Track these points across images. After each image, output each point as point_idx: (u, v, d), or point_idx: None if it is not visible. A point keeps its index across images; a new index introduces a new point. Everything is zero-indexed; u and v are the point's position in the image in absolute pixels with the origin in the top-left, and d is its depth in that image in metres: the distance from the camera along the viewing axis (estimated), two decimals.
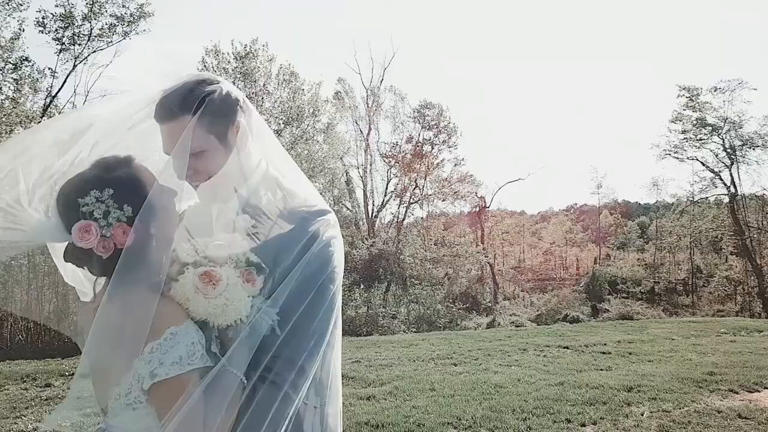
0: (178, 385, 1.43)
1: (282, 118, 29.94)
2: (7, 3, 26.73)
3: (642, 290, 36.23)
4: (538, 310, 34.01)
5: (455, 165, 35.32)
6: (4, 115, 26.15)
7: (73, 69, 28.10)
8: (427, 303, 32.39)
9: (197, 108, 1.60)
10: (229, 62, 28.80)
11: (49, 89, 28.24)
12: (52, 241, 1.58)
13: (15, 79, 27.98)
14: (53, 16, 27.48)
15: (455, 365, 10.18)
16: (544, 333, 14.69)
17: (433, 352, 11.48)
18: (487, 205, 37.62)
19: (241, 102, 1.73)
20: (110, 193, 1.49)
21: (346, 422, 6.56)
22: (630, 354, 10.89)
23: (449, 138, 34.27)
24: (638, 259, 41.67)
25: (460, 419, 6.76)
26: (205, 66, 28.59)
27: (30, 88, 28.45)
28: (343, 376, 8.04)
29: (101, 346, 1.49)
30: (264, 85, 29.57)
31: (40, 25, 27.42)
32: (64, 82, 28.30)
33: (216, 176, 1.69)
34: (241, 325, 1.52)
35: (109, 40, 28.26)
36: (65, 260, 1.56)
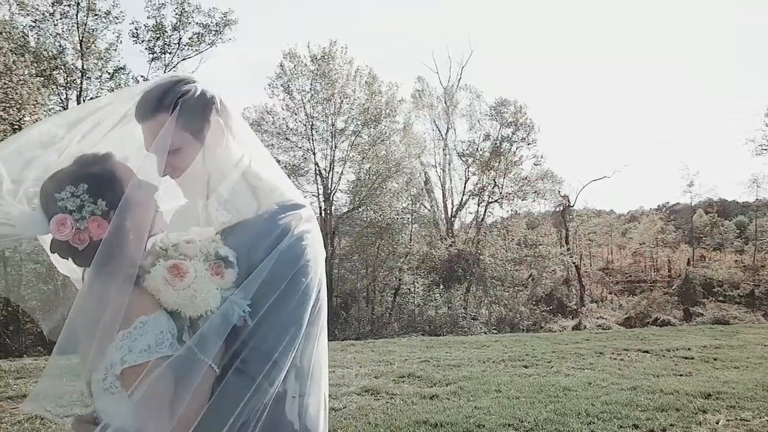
0: (147, 372, 1.47)
1: (360, 119, 30.26)
2: (104, 16, 28.46)
3: (740, 293, 34.14)
4: (626, 313, 32.69)
5: (535, 163, 34.55)
6: None
7: None
8: (509, 305, 31.85)
9: (173, 107, 1.65)
10: (306, 65, 29.41)
11: None
12: (37, 234, 1.65)
13: (111, 88, 29.75)
14: (146, 27, 28.95)
15: (526, 367, 9.96)
16: (625, 336, 14.13)
17: (504, 354, 11.28)
18: (571, 204, 36.51)
19: (216, 101, 1.77)
20: (85, 188, 1.56)
21: (405, 420, 6.54)
22: (715, 360, 10.29)
23: (528, 135, 33.56)
24: (736, 260, 39.31)
25: (521, 421, 6.60)
26: (282, 69, 29.37)
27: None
28: (409, 375, 8.05)
29: (78, 331, 1.55)
30: (342, 87, 30.00)
31: (134, 36, 28.99)
32: None
33: (188, 172, 1.73)
34: (212, 316, 1.54)
35: (197, 48, 29.54)
36: (51, 252, 1.64)
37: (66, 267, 1.79)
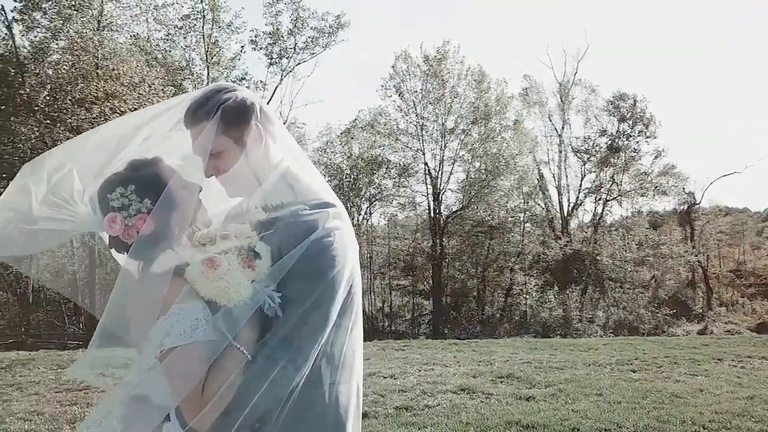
0: (182, 354, 1.63)
1: (469, 118, 30.11)
2: (227, 27, 30.13)
3: None
4: (759, 318, 30.37)
5: (655, 157, 32.75)
6: None
7: (281, 81, 30.84)
8: (629, 307, 30.52)
9: (214, 114, 1.81)
10: (418, 66, 29.67)
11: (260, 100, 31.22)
12: (96, 230, 1.87)
13: None
14: (264, 34, 30.34)
15: (633, 372, 9.54)
16: (750, 343, 13.16)
17: (612, 357, 10.86)
18: (697, 202, 34.36)
19: (256, 107, 1.90)
20: (132, 188, 1.75)
21: (496, 420, 6.50)
22: None
23: (647, 128, 31.89)
24: None
25: (620, 427, 6.36)
26: (395, 71, 29.79)
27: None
28: (507, 376, 7.98)
29: (123, 316, 1.73)
30: (453, 86, 30.02)
31: (253, 43, 30.45)
32: (273, 93, 31.16)
33: (229, 173, 1.89)
34: (246, 306, 1.68)
35: (312, 51, 30.60)
36: (109, 247, 1.86)
37: (124, 260, 1.99)
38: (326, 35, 30.26)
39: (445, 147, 30.11)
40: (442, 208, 30.80)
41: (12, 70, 23.71)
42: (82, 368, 1.80)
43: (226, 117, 1.83)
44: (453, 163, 30.68)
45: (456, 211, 31.04)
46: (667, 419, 6.57)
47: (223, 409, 1.64)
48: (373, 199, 33.19)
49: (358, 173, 32.57)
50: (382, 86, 30.70)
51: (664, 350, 11.82)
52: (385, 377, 8.75)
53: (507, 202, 30.65)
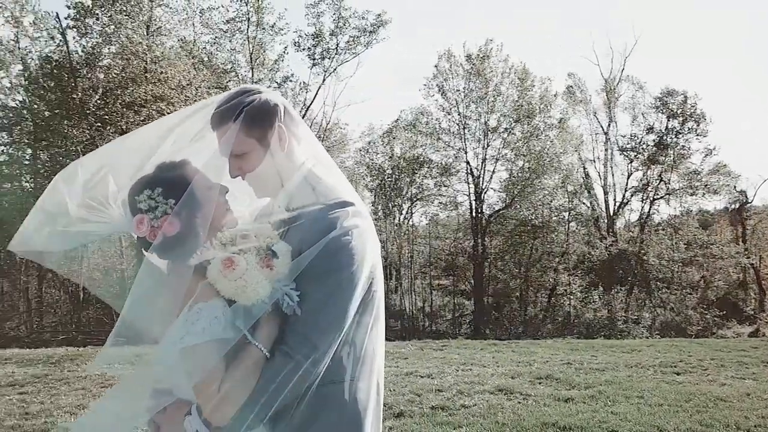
0: (200, 351, 1.70)
1: (512, 116, 29.87)
2: (271, 29, 30.57)
3: None
4: None
5: (705, 155, 31.84)
6: None
7: (323, 82, 31.11)
8: (676, 308, 29.80)
9: (237, 116, 1.87)
10: (460, 64, 29.57)
11: (304, 101, 31.61)
12: (129, 231, 1.94)
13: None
14: (306, 35, 30.66)
15: (677, 374, 9.36)
16: None
17: (656, 359, 10.67)
18: (749, 201, 33.31)
19: (280, 109, 1.95)
20: (159, 191, 1.82)
21: (533, 421, 6.48)
22: None
23: (697, 126, 31.04)
24: None
25: (661, 430, 6.27)
26: (438, 70, 29.77)
27: (291, 102, 32.10)
28: (546, 377, 7.94)
29: (145, 311, 1.81)
30: (496, 85, 29.83)
31: (296, 45, 30.81)
32: (316, 94, 31.48)
33: (253, 173, 1.94)
34: (264, 305, 1.74)
35: (354, 51, 30.77)
36: (138, 247, 1.93)
37: (155, 259, 2.07)
38: (367, 34, 30.40)
39: (488, 146, 29.94)
40: (484, 207, 30.66)
41: (65, 75, 24.56)
42: (100, 363, 1.89)
43: (250, 119, 1.88)
44: (495, 162, 30.50)
45: (498, 210, 30.81)
46: (711, 423, 6.44)
47: (241, 404, 1.69)
48: (415, 199, 33.21)
49: (399, 173, 32.62)
50: (425, 85, 30.76)
51: (711, 352, 11.55)
52: (422, 377, 8.79)
53: (551, 201, 30.27)
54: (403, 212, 33.77)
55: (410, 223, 33.80)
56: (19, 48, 27.40)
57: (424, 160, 31.77)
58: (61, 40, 25.95)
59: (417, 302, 32.00)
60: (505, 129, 30.18)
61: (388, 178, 33.08)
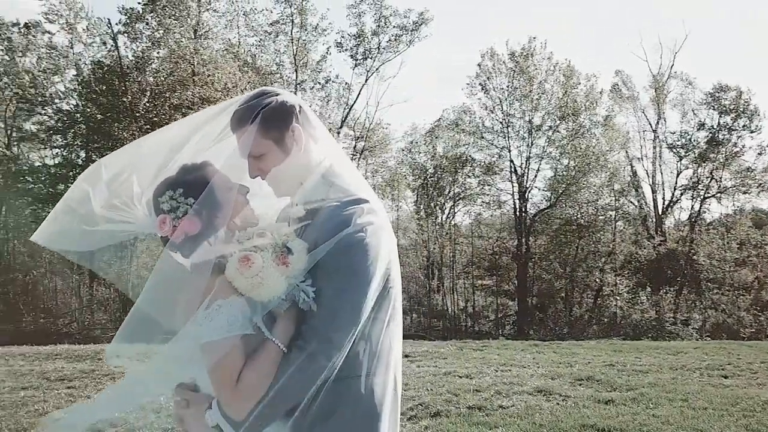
0: (218, 347, 1.76)
1: (557, 114, 29.47)
2: (314, 30, 30.89)
3: None
4: None
5: (759, 153, 30.79)
6: None
7: (366, 82, 31.28)
8: (728, 310, 28.94)
9: (254, 118, 1.92)
10: (503, 62, 29.34)
11: (346, 102, 31.85)
12: (152, 232, 1.99)
13: (322, 97, 32.25)
14: (348, 36, 30.87)
15: (725, 377, 9.12)
16: None
17: (702, 362, 10.40)
18: None
19: (296, 110, 1.99)
20: (180, 192, 1.87)
21: (571, 423, 6.43)
22: None
23: (750, 122, 30.04)
24: None
25: None
26: (480, 68, 29.59)
27: (335, 103, 32.47)
28: (587, 378, 7.84)
29: (154, 304, 1.87)
30: (540, 82, 29.50)
31: (338, 45, 31.05)
32: (358, 94, 31.66)
33: (271, 174, 1.99)
34: (281, 301, 1.80)
35: (396, 49, 30.84)
36: (163, 246, 2.00)
37: (178, 257, 2.11)
38: (409, 32, 30.44)
39: (532, 144, 29.65)
40: (528, 206, 30.30)
41: (116, 80, 25.31)
42: (110, 357, 1.93)
43: (266, 120, 1.92)
44: (540, 160, 30.19)
45: (543, 209, 30.45)
46: (758, 428, 6.29)
47: (258, 398, 1.74)
48: (457, 198, 33.07)
49: (442, 172, 32.53)
50: (468, 84, 30.63)
51: (762, 355, 11.22)
52: (460, 377, 8.78)
53: (597, 200, 29.73)
54: (446, 212, 33.68)
55: (453, 222, 33.69)
56: (73, 53, 28.41)
57: (467, 159, 31.60)
58: (112, 45, 26.77)
59: (459, 302, 31.86)
60: (550, 127, 29.82)
61: (430, 177, 33.02)
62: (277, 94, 1.99)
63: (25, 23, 28.76)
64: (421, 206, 33.56)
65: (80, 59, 28.27)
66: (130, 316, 1.86)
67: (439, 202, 33.41)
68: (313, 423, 1.85)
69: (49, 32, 28.67)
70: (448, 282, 32.19)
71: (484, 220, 33.78)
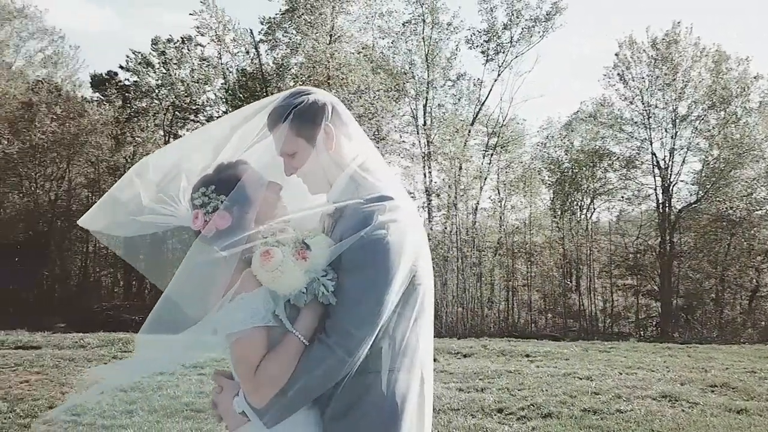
0: (241, 338, 1.88)
1: (705, 102, 27.38)
2: (446, 28, 30.98)
3: None
4: None
5: None
6: (444, 125, 30.37)
7: (498, 77, 30.84)
8: None
9: (286, 117, 2.01)
10: (644, 51, 27.72)
11: (478, 98, 31.61)
12: (186, 225, 2.11)
13: (453, 95, 32.27)
14: (479, 32, 30.60)
15: None
16: None
17: None
18: None
19: (327, 109, 2.05)
20: (212, 188, 2.00)
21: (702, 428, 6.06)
22: None
23: None
24: None
25: None
26: (618, 58, 28.16)
27: (466, 99, 32.41)
28: (722, 385, 7.39)
29: (182, 292, 2.01)
30: (686, 70, 27.56)
31: (468, 42, 30.86)
32: (490, 90, 31.29)
33: (304, 172, 2.07)
34: (302, 295, 1.88)
35: (528, 42, 30.15)
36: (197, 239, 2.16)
37: (209, 251, 2.13)
38: (542, 23, 29.63)
39: (676, 135, 27.72)
40: (673, 201, 28.40)
41: (257, 86, 26.91)
42: (141, 341, 2.07)
43: (298, 120, 1.99)
44: (686, 153, 28.15)
45: (689, 204, 28.40)
46: None
47: (277, 388, 1.84)
48: (596, 194, 31.70)
49: (580, 167, 31.34)
50: (605, 75, 29.21)
51: None
52: (580, 378, 8.52)
53: (751, 194, 27.25)
54: (584, 208, 32.39)
55: (591, 219, 32.31)
56: (221, 63, 30.57)
57: (605, 152, 30.16)
58: (254, 54, 28.48)
59: (598, 302, 30.52)
60: (697, 116, 27.74)
61: (566, 172, 31.91)
62: (310, 94, 2.06)
63: (180, 38, 31.41)
64: (557, 203, 32.54)
65: (227, 69, 30.35)
66: (159, 306, 1.99)
67: (576, 198, 32.21)
68: (334, 416, 1.92)
69: (200, 45, 31.13)
70: (586, 281, 30.94)
71: (625, 216, 32.12)
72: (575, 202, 32.30)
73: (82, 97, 31.74)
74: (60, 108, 27.33)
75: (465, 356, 10.68)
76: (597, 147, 30.56)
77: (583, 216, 32.01)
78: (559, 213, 31.33)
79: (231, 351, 1.92)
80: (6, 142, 25.78)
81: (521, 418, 6.64)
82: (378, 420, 1.91)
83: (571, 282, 31.28)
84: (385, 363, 1.93)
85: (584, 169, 31.10)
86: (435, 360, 10.09)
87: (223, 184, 2.00)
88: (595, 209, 32.43)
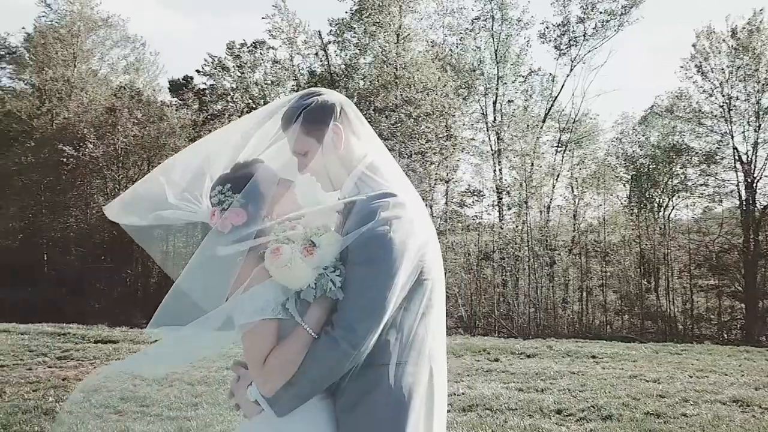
0: (252, 330, 1.95)
1: None
2: (516, 23, 30.56)
3: None
4: None
5: None
6: (515, 122, 29.95)
7: (570, 72, 30.13)
8: None
9: (296, 118, 2.10)
10: (723, 41, 26.40)
11: (550, 94, 31.00)
12: (205, 221, 2.22)
13: (525, 90, 31.78)
14: (552, 26, 30.00)
15: None
16: None
17: None
18: None
19: (336, 109, 2.12)
20: (228, 187, 2.09)
21: None
22: None
23: None
24: None
25: None
26: (696, 49, 26.93)
27: (539, 95, 31.89)
28: None
29: (193, 283, 2.10)
30: None
31: (541, 37, 30.31)
32: (563, 85, 30.62)
33: (315, 170, 2.14)
34: (311, 290, 1.93)
35: (603, 36, 29.32)
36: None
37: (222, 246, 2.22)
38: (618, 16, 28.73)
39: (760, 129, 26.19)
40: (758, 198, 26.88)
41: (326, 87, 27.34)
42: (151, 331, 2.15)
43: (308, 120, 2.07)
44: None
45: None
46: None
47: (285, 379, 1.90)
48: (673, 191, 30.44)
49: (657, 163, 30.20)
50: (681, 67, 27.93)
51: None
52: (647, 380, 8.25)
53: None
54: (663, 206, 31.17)
55: (668, 217, 31.04)
56: (292, 65, 31.22)
57: (683, 147, 28.91)
58: (323, 55, 28.94)
59: (678, 303, 29.28)
60: None
61: (642, 168, 30.81)
62: (319, 95, 2.14)
63: (253, 42, 32.26)
64: (633, 200, 31.47)
65: (298, 70, 30.96)
66: (169, 296, 2.08)
67: (652, 196, 31.05)
68: (344, 407, 1.97)
69: (272, 48, 31.87)
70: (665, 282, 29.76)
71: (706, 214, 30.69)
72: (653, 200, 31.14)
73: (161, 101, 33.07)
74: (141, 112, 28.50)
75: (528, 357, 10.54)
76: (674, 142, 29.37)
77: (661, 214, 30.82)
78: (636, 211, 30.26)
79: (243, 342, 1.99)
80: (92, 146, 27.09)
81: (580, 420, 6.50)
82: (385, 412, 1.94)
83: (649, 282, 30.16)
84: (393, 356, 1.97)
85: (661, 165, 29.95)
86: (497, 360, 10.03)
87: (238, 182, 2.10)
88: (673, 207, 31.18)
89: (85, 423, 6.40)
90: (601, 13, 28.86)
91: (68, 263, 28.13)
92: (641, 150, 31.12)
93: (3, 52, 33.37)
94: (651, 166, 30.56)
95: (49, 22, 30.90)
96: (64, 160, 26.58)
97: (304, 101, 2.11)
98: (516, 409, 6.86)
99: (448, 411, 6.80)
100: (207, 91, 32.84)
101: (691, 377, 8.58)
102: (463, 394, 7.51)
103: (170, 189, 2.18)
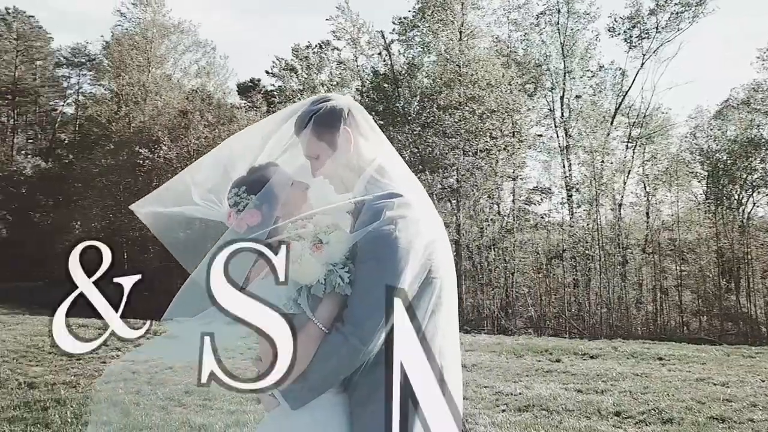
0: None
1: None
2: (583, 16, 29.85)
3: None
4: None
5: None
6: (583, 117, 29.24)
7: (642, 66, 29.17)
8: None
9: (307, 123, 2.17)
10: None
11: (620, 88, 30.10)
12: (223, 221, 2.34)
13: (594, 85, 30.96)
14: (622, 19, 29.14)
15: None
16: None
17: None
18: None
19: (345, 113, 2.18)
20: (243, 189, 2.19)
21: None
22: None
23: None
24: None
25: None
26: None
27: (609, 90, 31.04)
28: None
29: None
30: None
31: (610, 30, 29.50)
32: (633, 79, 29.69)
33: (327, 173, 2.21)
34: (320, 285, 1.98)
35: (677, 28, 28.26)
36: None
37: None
38: (693, 7, 27.61)
39: None
40: None
41: (388, 87, 27.45)
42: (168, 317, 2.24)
43: (317, 124, 2.14)
44: None
45: None
46: None
47: (298, 374, 1.92)
48: (753, 187, 28.96)
49: (734, 158, 28.83)
50: (758, 58, 26.61)
51: None
52: (715, 384, 7.92)
53: None
54: (742, 202, 29.71)
55: (748, 214, 29.54)
56: (357, 65, 31.52)
57: (762, 141, 27.51)
58: (386, 55, 29.07)
59: (759, 304, 27.84)
60: None
61: (719, 164, 29.47)
62: (329, 100, 2.21)
63: (318, 43, 32.78)
64: (711, 196, 30.11)
65: (362, 70, 31.23)
66: (184, 289, 2.18)
67: (729, 192, 29.64)
68: (358, 402, 2.02)
69: (337, 48, 32.28)
70: (745, 282, 28.39)
71: None
72: (731, 196, 29.73)
73: (231, 104, 34.05)
74: (211, 115, 29.45)
75: (592, 357, 10.31)
76: (752, 136, 27.97)
77: (740, 211, 29.40)
78: (713, 208, 28.98)
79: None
80: (166, 148, 28.17)
81: (638, 423, 6.32)
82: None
83: (729, 282, 28.85)
84: None
85: (739, 160, 28.58)
86: (558, 361, 9.85)
87: (253, 184, 2.20)
88: (754, 204, 29.67)
89: (149, 415, 6.67)
90: (675, 4, 27.81)
91: (146, 261, 29.36)
92: (717, 144, 29.78)
93: (83, 60, 35.19)
94: (728, 161, 29.19)
95: (125, 30, 32.38)
96: (141, 161, 27.72)
97: (314, 107, 2.19)
98: (573, 410, 6.73)
99: (503, 411, 6.82)
100: (275, 93, 33.59)
101: (763, 381, 8.17)
102: (520, 394, 7.42)
103: (195, 189, 2.30)
